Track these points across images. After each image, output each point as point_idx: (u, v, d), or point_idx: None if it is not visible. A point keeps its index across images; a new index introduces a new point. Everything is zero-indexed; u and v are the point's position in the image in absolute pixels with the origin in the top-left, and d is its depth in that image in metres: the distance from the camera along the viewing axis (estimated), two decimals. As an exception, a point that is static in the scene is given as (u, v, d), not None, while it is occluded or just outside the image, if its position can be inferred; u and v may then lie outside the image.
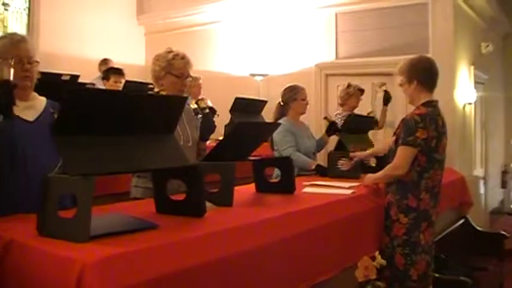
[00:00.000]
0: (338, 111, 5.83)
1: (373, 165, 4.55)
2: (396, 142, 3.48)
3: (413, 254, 3.38)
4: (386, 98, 5.98)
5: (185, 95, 3.45)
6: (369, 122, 5.25)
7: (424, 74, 3.52)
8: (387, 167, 3.51)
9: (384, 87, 6.01)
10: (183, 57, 3.47)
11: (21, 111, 2.60)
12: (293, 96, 4.69)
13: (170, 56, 3.44)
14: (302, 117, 4.87)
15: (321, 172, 4.34)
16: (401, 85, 3.61)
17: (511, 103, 10.88)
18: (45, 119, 2.66)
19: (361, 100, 5.87)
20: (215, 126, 3.76)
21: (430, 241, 3.49)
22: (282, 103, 4.74)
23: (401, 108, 6.77)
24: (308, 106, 4.82)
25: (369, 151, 4.30)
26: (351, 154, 4.19)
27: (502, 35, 10.20)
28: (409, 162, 3.37)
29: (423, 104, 3.47)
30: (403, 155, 3.39)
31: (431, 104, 3.49)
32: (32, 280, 1.77)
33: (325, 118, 5.22)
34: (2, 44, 2.67)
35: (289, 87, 4.78)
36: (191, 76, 3.55)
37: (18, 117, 2.58)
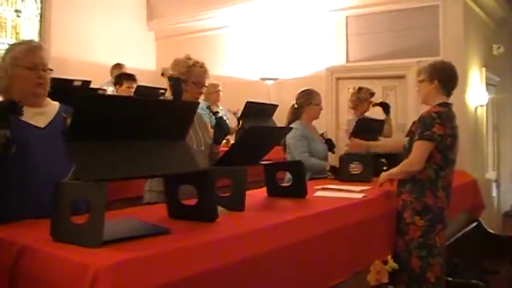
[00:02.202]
0: (349, 117, 5.81)
1: (385, 168, 4.54)
2: (411, 139, 3.48)
3: (430, 257, 3.38)
4: (386, 107, 5.94)
5: (201, 100, 3.49)
6: (380, 126, 5.23)
7: (446, 76, 3.57)
8: (403, 162, 3.50)
9: (376, 100, 5.95)
10: (202, 66, 3.54)
11: (32, 117, 2.61)
12: (308, 101, 4.71)
13: (190, 62, 3.50)
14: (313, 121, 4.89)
15: (336, 172, 4.35)
16: (420, 82, 3.62)
17: (523, 105, 10.81)
18: (57, 125, 2.67)
19: (371, 103, 5.84)
20: (228, 129, 3.79)
21: (444, 244, 3.50)
22: (296, 106, 4.75)
23: (413, 110, 6.77)
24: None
25: (379, 142, 4.31)
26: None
27: (512, 36, 10.15)
28: (426, 157, 3.38)
29: (439, 104, 3.50)
30: (420, 150, 3.39)
31: (447, 106, 3.52)
32: (44, 285, 1.78)
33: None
34: (19, 50, 2.68)
35: (304, 91, 4.80)
36: (205, 85, 3.60)
37: (29, 124, 2.59)
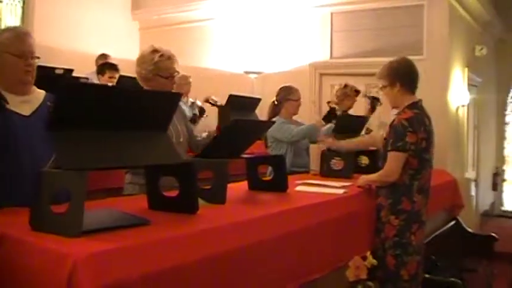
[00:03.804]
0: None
1: (366, 163, 4.57)
2: (386, 146, 3.49)
3: (404, 255, 3.40)
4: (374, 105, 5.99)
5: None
6: (361, 122, 5.25)
7: (406, 77, 3.54)
8: (379, 172, 3.52)
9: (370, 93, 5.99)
10: (169, 57, 3.37)
11: (17, 105, 2.60)
12: (286, 96, 4.77)
13: (156, 57, 3.32)
14: (295, 116, 4.92)
15: (329, 118, 4.58)
16: (383, 88, 3.61)
17: (503, 106, 10.93)
18: (42, 113, 2.65)
19: (356, 101, 5.88)
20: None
21: (421, 242, 3.51)
22: (276, 102, 4.79)
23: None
24: (301, 105, 4.89)
25: (345, 142, 4.29)
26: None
27: (496, 39, 10.23)
28: (400, 167, 3.39)
29: (408, 107, 3.48)
30: (394, 161, 3.41)
31: (417, 106, 3.50)
32: (23, 274, 1.76)
33: (329, 103, 5.23)
34: (6, 37, 2.64)
35: (284, 87, 4.86)
36: (178, 72, 3.48)
37: (13, 112, 2.57)
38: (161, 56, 3.33)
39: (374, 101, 5.85)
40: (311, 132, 4.54)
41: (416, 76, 3.58)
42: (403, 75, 3.53)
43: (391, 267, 3.40)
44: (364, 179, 3.61)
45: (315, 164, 4.76)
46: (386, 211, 3.46)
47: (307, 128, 4.55)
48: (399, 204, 3.43)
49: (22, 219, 1.96)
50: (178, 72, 3.45)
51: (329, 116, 4.78)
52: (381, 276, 3.36)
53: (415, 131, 3.37)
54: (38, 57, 2.72)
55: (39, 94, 2.77)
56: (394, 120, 3.51)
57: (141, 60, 3.38)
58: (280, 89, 4.87)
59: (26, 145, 2.54)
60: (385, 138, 3.56)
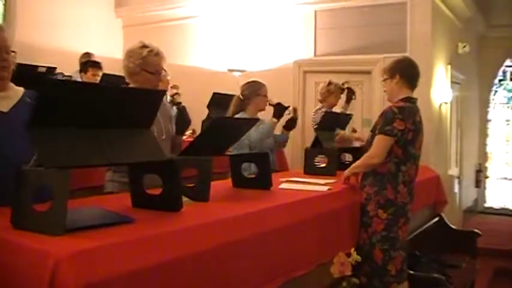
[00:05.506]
0: (318, 107, 5.88)
1: (350, 160, 4.57)
2: (373, 133, 3.54)
3: (392, 250, 3.43)
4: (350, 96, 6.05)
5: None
6: (345, 119, 5.28)
7: (406, 70, 3.64)
8: (364, 156, 3.56)
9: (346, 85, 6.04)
10: (157, 54, 3.38)
11: None
12: (256, 92, 4.59)
13: (145, 52, 3.33)
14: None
15: (280, 111, 4.42)
16: (384, 81, 3.70)
17: (485, 103, 11.02)
18: (20, 109, 2.61)
19: (340, 98, 5.92)
20: (190, 120, 3.68)
21: (405, 237, 3.55)
22: (242, 97, 4.65)
23: (378, 105, 6.83)
24: (284, 102, 4.83)
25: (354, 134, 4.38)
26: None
27: (478, 36, 10.32)
28: (386, 150, 3.44)
29: (402, 100, 3.56)
30: (380, 144, 3.45)
31: (411, 100, 3.58)
32: (5, 273, 1.74)
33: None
34: None
35: (252, 81, 4.72)
36: (165, 70, 3.49)
37: None
38: (150, 51, 3.35)
39: (349, 93, 5.94)
40: (270, 131, 4.44)
41: (417, 74, 3.68)
42: (404, 69, 3.64)
43: (378, 261, 3.43)
44: (349, 169, 3.63)
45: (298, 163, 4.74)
46: (374, 204, 3.49)
47: (268, 128, 4.43)
48: (384, 190, 3.47)
49: (2, 218, 1.94)
50: (165, 70, 3.45)
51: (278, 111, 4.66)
52: (367, 271, 3.39)
53: (404, 119, 3.43)
54: (14, 51, 2.68)
55: (18, 91, 2.74)
56: (385, 108, 3.58)
57: (129, 54, 3.38)
58: (248, 83, 4.71)
59: (4, 141, 2.51)
60: (375, 126, 3.60)
